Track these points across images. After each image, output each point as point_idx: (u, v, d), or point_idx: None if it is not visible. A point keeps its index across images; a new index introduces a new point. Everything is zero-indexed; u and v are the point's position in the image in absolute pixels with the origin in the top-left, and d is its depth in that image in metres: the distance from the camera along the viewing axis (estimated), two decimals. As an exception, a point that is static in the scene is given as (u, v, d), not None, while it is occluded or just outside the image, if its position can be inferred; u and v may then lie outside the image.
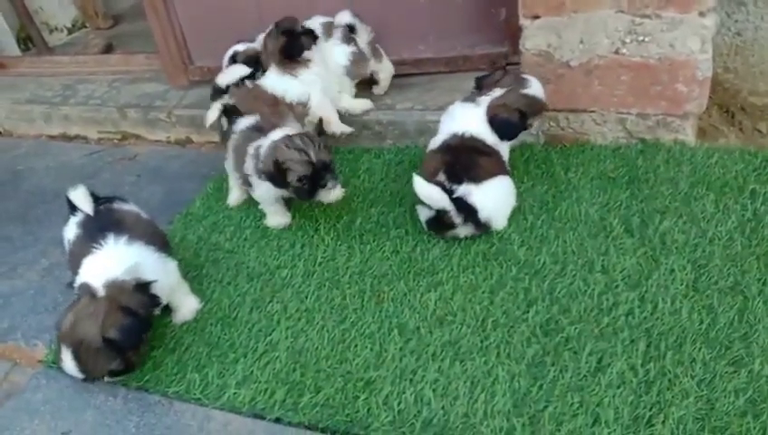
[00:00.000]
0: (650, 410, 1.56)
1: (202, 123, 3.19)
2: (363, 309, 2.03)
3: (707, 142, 2.47)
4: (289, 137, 2.25)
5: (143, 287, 1.94)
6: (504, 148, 2.30)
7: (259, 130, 2.38)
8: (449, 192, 2.12)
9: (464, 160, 2.19)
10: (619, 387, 1.63)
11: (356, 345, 1.91)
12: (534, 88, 2.29)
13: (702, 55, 2.25)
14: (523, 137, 2.40)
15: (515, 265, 2.06)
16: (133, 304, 1.89)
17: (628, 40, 2.31)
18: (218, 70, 3.30)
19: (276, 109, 2.63)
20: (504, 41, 2.86)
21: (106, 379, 1.92)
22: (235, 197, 2.70)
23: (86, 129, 3.55)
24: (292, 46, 2.68)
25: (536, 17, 2.38)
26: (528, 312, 1.89)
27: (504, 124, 2.24)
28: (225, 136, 2.64)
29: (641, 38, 2.29)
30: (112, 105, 3.45)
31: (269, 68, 2.70)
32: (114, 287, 1.88)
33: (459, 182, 2.14)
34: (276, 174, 2.23)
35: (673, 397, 1.58)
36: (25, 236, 2.82)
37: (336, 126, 2.78)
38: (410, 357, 1.83)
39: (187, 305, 2.14)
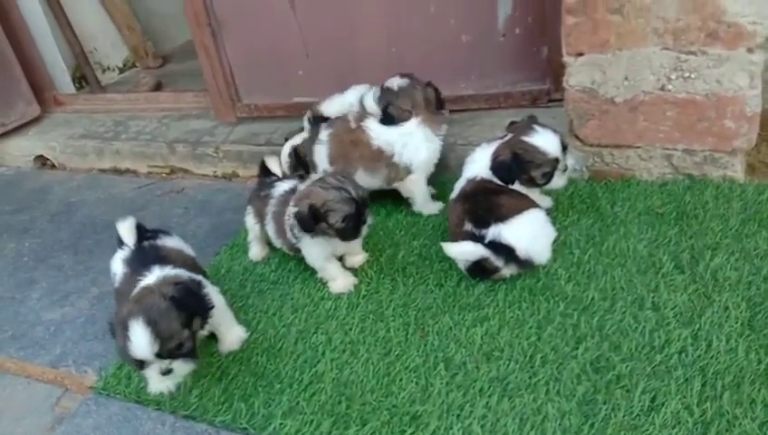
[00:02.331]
0: (709, 452, 1.51)
1: (248, 158, 3.32)
2: (408, 342, 2.03)
3: (757, 179, 2.43)
4: (320, 178, 2.21)
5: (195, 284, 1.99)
6: (527, 191, 2.28)
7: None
8: (480, 238, 2.13)
9: (483, 203, 2.20)
10: (674, 427, 1.58)
11: (401, 379, 1.90)
12: (537, 138, 2.18)
13: (751, 91, 2.23)
14: (559, 182, 2.27)
15: (563, 300, 2.04)
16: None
17: (673, 76, 2.31)
18: (264, 107, 3.45)
19: (373, 163, 2.56)
20: (545, 78, 2.89)
21: (172, 366, 1.84)
22: (255, 252, 2.61)
23: (136, 163, 3.68)
24: (440, 101, 2.58)
25: (580, 54, 2.40)
26: (577, 348, 1.86)
27: (496, 167, 2.23)
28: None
29: (687, 74, 2.29)
30: (162, 140, 3.58)
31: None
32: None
33: (486, 225, 2.14)
34: (312, 220, 2.13)
35: (733, 439, 1.52)
36: (77, 266, 2.91)
37: (423, 205, 2.67)
38: (457, 392, 1.81)
39: (233, 335, 2.17)
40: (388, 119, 2.55)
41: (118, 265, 2.18)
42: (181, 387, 2.04)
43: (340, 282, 2.32)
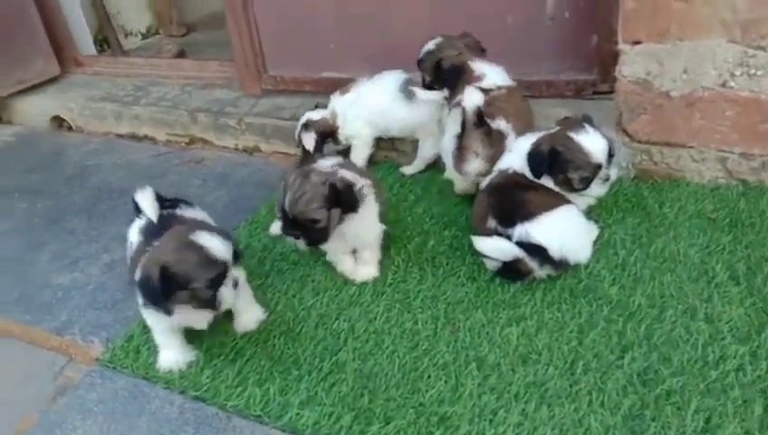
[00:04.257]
0: (771, 482, 1.37)
1: (271, 132, 3.18)
2: (437, 337, 1.90)
3: (819, 189, 2.27)
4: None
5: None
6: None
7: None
8: (505, 238, 1.98)
9: (510, 198, 2.04)
10: (731, 452, 1.45)
11: (429, 376, 1.77)
12: (585, 138, 1.99)
13: (822, 94, 2.07)
14: (598, 190, 2.09)
15: (607, 304, 1.90)
16: None
17: (737, 72, 2.15)
18: (291, 80, 3.31)
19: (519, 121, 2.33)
20: (592, 68, 2.72)
21: None
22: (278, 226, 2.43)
23: (155, 130, 3.55)
24: (480, 46, 2.54)
25: (637, 42, 2.24)
26: (623, 357, 1.72)
27: (531, 156, 2.05)
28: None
29: (753, 71, 2.13)
30: (183, 108, 3.44)
31: None
32: None
33: (512, 224, 1.99)
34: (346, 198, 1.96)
35: (798, 471, 1.38)
36: (89, 231, 2.79)
37: None
38: (490, 395, 1.67)
39: (250, 314, 2.04)
40: (447, 73, 2.41)
41: (134, 235, 2.04)
42: (192, 365, 1.92)
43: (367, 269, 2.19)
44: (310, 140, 2.33)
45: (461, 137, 2.24)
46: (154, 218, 1.97)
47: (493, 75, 2.39)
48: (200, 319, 1.87)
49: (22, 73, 3.92)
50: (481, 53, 2.50)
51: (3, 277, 2.53)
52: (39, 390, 1.97)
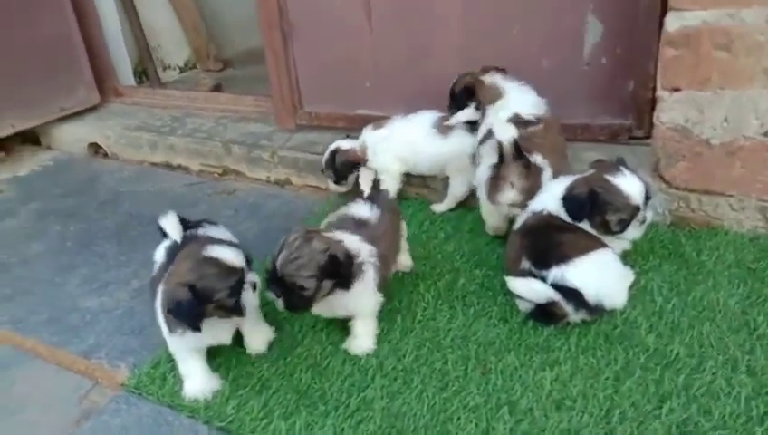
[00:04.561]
0: None
1: (303, 166, 3.22)
2: (467, 378, 1.85)
3: None
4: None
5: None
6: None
7: None
8: (540, 280, 1.95)
9: (545, 240, 2.02)
10: None
11: (459, 418, 1.72)
12: (622, 181, 1.98)
13: None
14: (635, 233, 2.08)
15: (643, 352, 1.84)
16: None
17: (780, 122, 2.13)
18: (326, 117, 3.36)
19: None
20: (628, 113, 2.72)
21: None
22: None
23: (189, 160, 3.61)
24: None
25: (676, 90, 2.24)
26: (661, 407, 1.66)
27: (569, 200, 2.03)
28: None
29: (796, 122, 2.11)
30: (218, 140, 3.50)
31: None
32: None
33: (547, 266, 1.96)
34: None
35: None
36: (119, 256, 2.82)
37: None
38: (523, 440, 1.62)
39: (260, 335, 2.06)
40: (459, 94, 2.54)
41: (160, 255, 2.11)
42: (218, 395, 1.89)
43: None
44: (367, 181, 2.22)
45: (498, 167, 2.23)
46: (178, 239, 2.04)
47: (515, 92, 2.45)
48: (225, 333, 1.93)
49: (64, 102, 4.04)
50: (499, 70, 2.56)
51: (33, 298, 2.56)
52: (64, 413, 1.96)
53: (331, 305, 1.93)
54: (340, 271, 1.82)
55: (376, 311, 2.03)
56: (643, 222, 2.05)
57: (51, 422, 1.92)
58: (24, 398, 2.04)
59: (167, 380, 1.98)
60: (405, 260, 2.33)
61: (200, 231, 2.15)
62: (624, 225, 2.02)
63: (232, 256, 1.82)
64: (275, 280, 1.82)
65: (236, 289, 1.80)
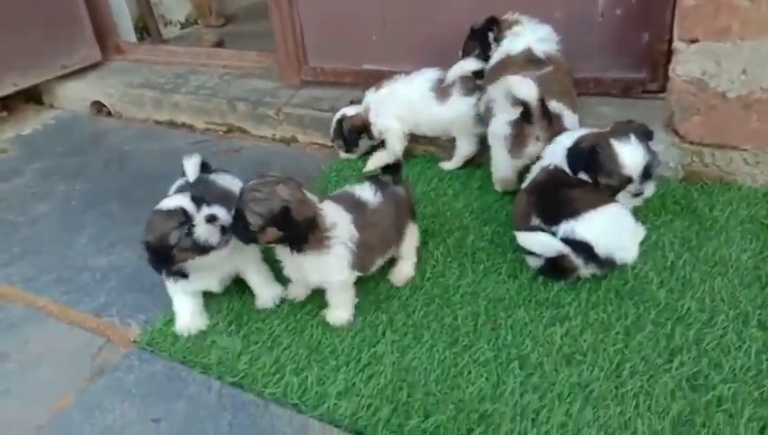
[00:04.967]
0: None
1: (309, 123, 3.17)
2: (477, 333, 1.86)
3: None
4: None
5: None
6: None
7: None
8: (552, 235, 1.93)
9: (554, 196, 2.00)
10: (788, 465, 1.39)
11: (469, 372, 1.73)
12: (623, 148, 1.94)
13: None
14: (625, 202, 2.03)
15: (654, 307, 1.84)
16: None
17: (800, 74, 2.07)
18: (331, 72, 3.29)
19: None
20: (642, 67, 2.65)
21: None
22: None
23: (193, 118, 3.57)
24: None
25: (694, 41, 2.18)
26: (672, 361, 1.66)
27: (571, 151, 2.01)
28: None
29: (816, 73, 2.05)
30: (222, 97, 3.45)
31: None
32: None
33: (556, 222, 1.94)
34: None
35: None
36: (126, 215, 2.81)
37: None
38: (533, 394, 1.63)
39: (269, 291, 2.09)
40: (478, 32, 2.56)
41: (171, 191, 2.28)
42: (230, 351, 1.91)
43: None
44: (376, 162, 2.26)
45: (521, 124, 2.20)
46: (191, 179, 2.24)
47: (531, 23, 2.45)
48: (213, 281, 2.04)
49: (66, 59, 3.97)
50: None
51: (43, 258, 2.56)
52: (77, 370, 1.98)
53: (299, 269, 1.90)
54: (289, 227, 1.78)
55: (346, 287, 1.95)
56: (638, 195, 2.02)
57: (65, 379, 1.94)
58: (37, 355, 2.06)
59: (178, 337, 1.99)
60: (404, 268, 2.13)
61: (211, 176, 2.29)
62: (612, 191, 1.99)
63: (174, 203, 1.92)
64: (237, 201, 1.84)
65: (185, 229, 1.87)
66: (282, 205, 1.76)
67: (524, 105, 2.14)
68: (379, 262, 2.04)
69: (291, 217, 1.77)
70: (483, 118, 2.49)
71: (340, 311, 1.97)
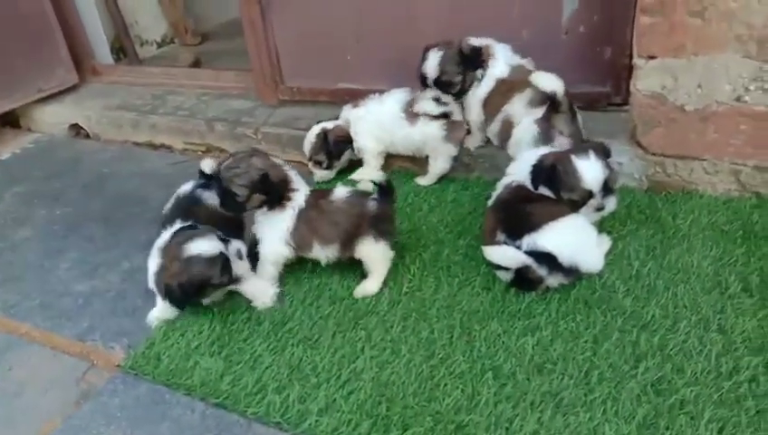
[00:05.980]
0: (786, 494, 1.39)
1: (287, 142, 3.23)
2: (453, 346, 1.93)
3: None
4: None
5: None
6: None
7: None
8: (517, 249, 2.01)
9: (516, 212, 2.09)
10: (746, 463, 1.47)
11: (446, 384, 1.80)
12: (583, 164, 2.02)
13: (836, 109, 2.10)
14: (587, 216, 2.11)
15: (621, 315, 1.92)
16: None
17: (752, 87, 2.17)
18: (308, 91, 3.36)
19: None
20: (606, 81, 2.76)
21: None
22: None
23: (172, 138, 3.60)
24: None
25: (652, 57, 2.28)
26: (637, 367, 1.74)
27: (534, 168, 2.10)
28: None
29: None
30: (200, 117, 3.50)
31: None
32: None
33: (520, 236, 2.02)
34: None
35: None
36: (108, 238, 2.84)
37: None
38: (506, 404, 1.70)
39: (262, 290, 2.21)
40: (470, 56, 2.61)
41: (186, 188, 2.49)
42: (212, 373, 1.95)
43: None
44: (361, 175, 2.38)
45: (548, 118, 2.32)
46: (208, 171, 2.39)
47: (499, 49, 2.60)
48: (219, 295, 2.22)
49: (42, 83, 3.99)
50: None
51: (24, 284, 2.58)
52: (62, 395, 2.01)
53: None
54: (270, 189, 2.11)
55: (271, 262, 2.23)
56: (600, 209, 2.10)
57: (50, 404, 1.98)
58: (22, 382, 2.08)
59: (161, 359, 2.03)
60: (367, 284, 2.20)
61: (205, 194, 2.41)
62: (574, 205, 2.07)
63: (209, 248, 2.05)
64: (217, 181, 2.13)
65: (225, 270, 2.07)
66: (260, 173, 2.10)
67: (551, 98, 2.28)
68: (318, 252, 2.21)
69: (270, 181, 2.11)
70: (500, 138, 2.57)
71: (261, 282, 2.21)
